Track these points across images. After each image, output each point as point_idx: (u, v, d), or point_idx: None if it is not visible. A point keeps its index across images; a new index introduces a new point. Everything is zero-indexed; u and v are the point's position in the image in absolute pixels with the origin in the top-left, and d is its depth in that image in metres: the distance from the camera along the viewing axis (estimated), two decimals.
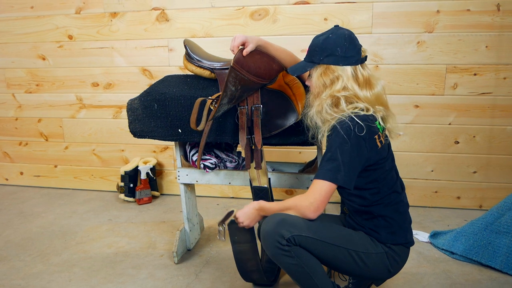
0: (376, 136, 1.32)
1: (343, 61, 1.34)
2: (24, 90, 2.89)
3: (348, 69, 1.34)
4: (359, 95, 1.34)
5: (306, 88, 1.52)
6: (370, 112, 1.33)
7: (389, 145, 1.41)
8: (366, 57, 1.40)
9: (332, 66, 1.35)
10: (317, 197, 1.28)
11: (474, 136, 2.39)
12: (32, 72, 2.85)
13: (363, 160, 1.30)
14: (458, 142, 2.42)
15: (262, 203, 1.42)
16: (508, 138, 2.37)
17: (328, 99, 1.34)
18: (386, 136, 1.39)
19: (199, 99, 1.62)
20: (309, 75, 1.43)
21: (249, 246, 1.54)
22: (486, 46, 2.29)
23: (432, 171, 2.47)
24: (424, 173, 2.48)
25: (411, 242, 1.42)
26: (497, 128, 2.37)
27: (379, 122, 1.35)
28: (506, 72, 2.30)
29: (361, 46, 1.39)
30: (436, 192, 2.49)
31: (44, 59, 2.80)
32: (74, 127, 2.86)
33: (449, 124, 2.40)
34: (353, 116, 1.29)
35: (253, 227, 1.50)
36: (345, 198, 1.43)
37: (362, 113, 1.31)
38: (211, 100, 1.60)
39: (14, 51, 2.84)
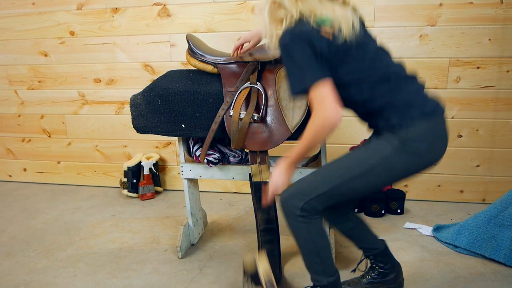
0: (323, 30, 1.22)
1: None
2: (26, 87, 2.90)
3: None
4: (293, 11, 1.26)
5: None
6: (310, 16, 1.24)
7: (360, 36, 1.29)
8: None
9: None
10: (323, 105, 1.20)
11: (477, 130, 2.39)
12: (34, 69, 2.85)
13: (317, 51, 1.22)
14: (461, 136, 2.41)
15: (288, 160, 1.36)
16: (511, 131, 2.36)
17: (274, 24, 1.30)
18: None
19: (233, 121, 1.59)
20: None
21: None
22: (489, 39, 2.28)
23: (434, 165, 2.46)
24: None
25: (430, 112, 1.26)
26: (500, 121, 2.36)
27: (326, 19, 1.24)
28: (509, 65, 2.29)
29: None
30: (439, 186, 2.49)
31: (46, 55, 2.81)
32: (77, 123, 2.86)
33: (452, 117, 2.39)
34: (291, 23, 1.25)
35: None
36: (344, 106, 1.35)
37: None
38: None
39: (16, 47, 2.84)
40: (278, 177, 1.39)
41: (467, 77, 2.34)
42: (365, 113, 1.36)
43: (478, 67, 2.32)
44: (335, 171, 1.31)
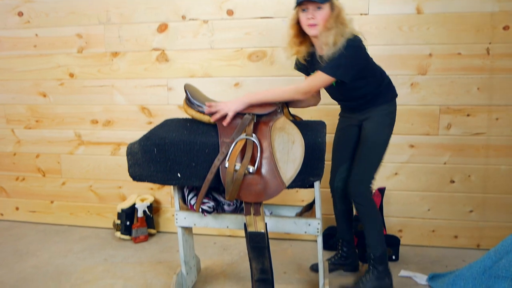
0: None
1: None
2: (23, 126, 2.92)
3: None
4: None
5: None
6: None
7: None
8: None
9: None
10: (310, 84, 1.79)
11: (469, 176, 2.42)
12: (32, 109, 2.88)
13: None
14: (453, 182, 2.44)
15: (251, 99, 1.74)
16: (503, 177, 2.40)
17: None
18: None
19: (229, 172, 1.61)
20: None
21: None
22: (478, 88, 2.35)
23: (428, 210, 2.48)
24: (420, 212, 2.49)
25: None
26: (491, 167, 2.40)
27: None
28: (498, 113, 2.36)
29: None
30: (433, 231, 2.50)
31: (44, 96, 2.84)
32: (72, 163, 2.87)
33: (444, 163, 2.43)
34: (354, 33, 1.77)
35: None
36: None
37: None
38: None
39: (15, 87, 2.88)
40: (232, 103, 1.73)
41: (458, 124, 2.39)
42: (371, 98, 1.94)
43: (468, 115, 2.38)
44: (374, 155, 1.94)
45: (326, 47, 1.74)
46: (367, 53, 1.84)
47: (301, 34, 1.87)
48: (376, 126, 1.93)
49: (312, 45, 1.89)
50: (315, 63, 1.89)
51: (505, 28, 2.27)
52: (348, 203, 2.12)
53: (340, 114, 2.15)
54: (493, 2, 2.25)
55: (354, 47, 1.74)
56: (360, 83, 1.86)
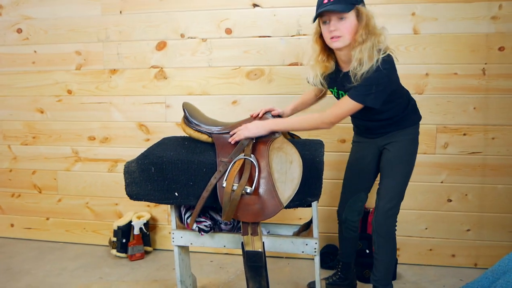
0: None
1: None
2: (20, 142, 2.91)
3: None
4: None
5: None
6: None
7: None
8: None
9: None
10: (336, 113, 1.66)
11: (466, 195, 2.42)
12: (29, 125, 2.88)
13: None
14: (450, 200, 2.44)
15: (274, 126, 1.69)
16: (500, 196, 2.40)
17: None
18: None
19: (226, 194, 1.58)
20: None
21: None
22: (474, 108, 2.37)
23: (426, 228, 2.48)
24: (418, 230, 2.48)
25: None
26: (488, 186, 2.40)
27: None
28: (495, 133, 2.37)
29: None
30: (430, 250, 2.49)
31: (42, 112, 2.84)
32: (69, 179, 2.85)
33: (441, 182, 2.44)
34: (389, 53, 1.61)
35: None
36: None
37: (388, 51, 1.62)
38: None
39: (13, 104, 2.88)
40: (255, 127, 1.68)
41: (455, 143, 2.40)
42: (397, 118, 1.83)
43: (464, 134, 2.39)
44: (402, 186, 1.85)
45: (360, 64, 1.57)
46: (397, 73, 1.69)
47: (327, 48, 1.71)
48: (403, 153, 1.82)
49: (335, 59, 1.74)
50: (336, 79, 1.75)
51: (501, 49, 2.30)
52: (356, 231, 2.07)
53: (354, 140, 2.03)
54: (489, 23, 2.29)
55: (388, 70, 1.57)
56: (386, 107, 1.70)
